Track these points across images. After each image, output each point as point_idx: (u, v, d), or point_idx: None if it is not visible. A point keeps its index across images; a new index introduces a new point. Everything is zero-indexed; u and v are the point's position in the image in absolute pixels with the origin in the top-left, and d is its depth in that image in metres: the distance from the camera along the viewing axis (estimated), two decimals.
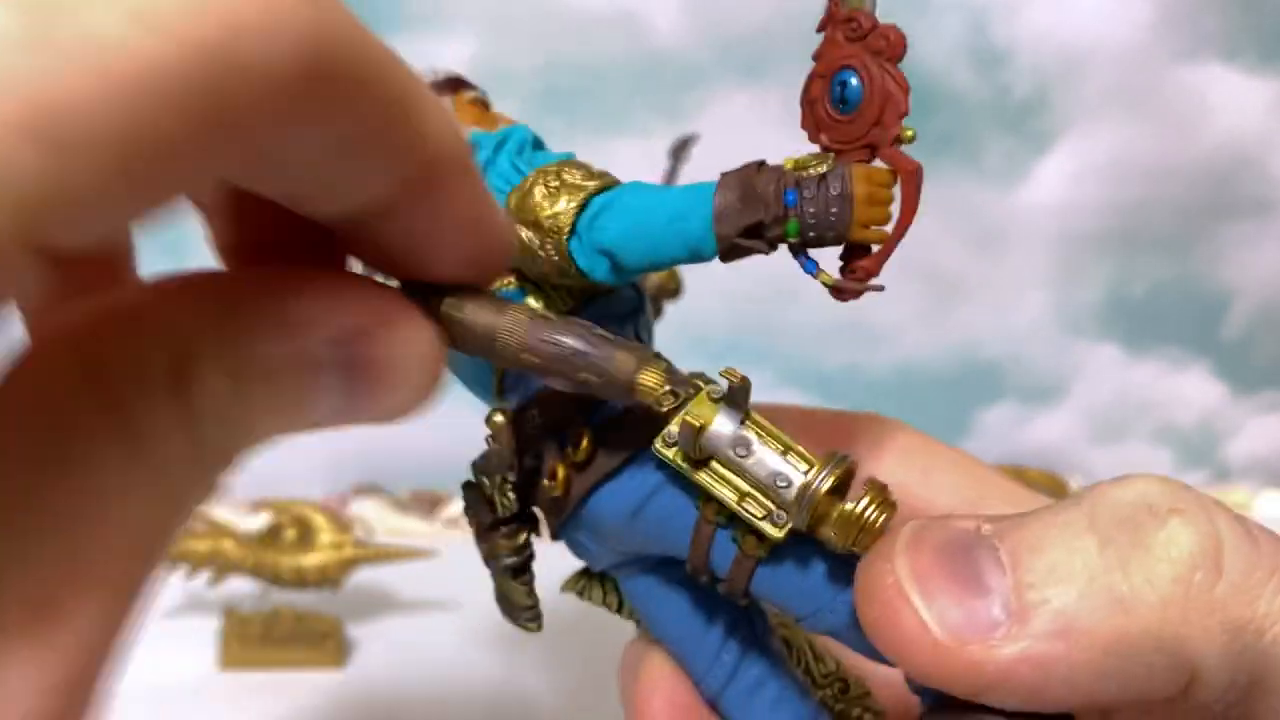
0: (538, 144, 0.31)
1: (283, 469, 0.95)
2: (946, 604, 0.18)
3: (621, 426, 0.27)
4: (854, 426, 0.30)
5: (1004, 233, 0.94)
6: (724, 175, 0.26)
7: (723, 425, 0.24)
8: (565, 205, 0.27)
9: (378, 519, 0.83)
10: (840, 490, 0.23)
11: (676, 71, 0.87)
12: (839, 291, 0.25)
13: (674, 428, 0.24)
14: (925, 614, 0.18)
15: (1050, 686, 0.17)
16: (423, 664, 0.53)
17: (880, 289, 0.25)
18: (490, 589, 0.32)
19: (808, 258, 0.26)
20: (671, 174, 0.45)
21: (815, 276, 0.25)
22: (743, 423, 0.24)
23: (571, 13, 0.86)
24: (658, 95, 0.87)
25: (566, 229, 0.27)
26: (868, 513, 0.22)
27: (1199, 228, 0.95)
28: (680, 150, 0.45)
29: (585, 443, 0.27)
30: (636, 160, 0.98)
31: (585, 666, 0.50)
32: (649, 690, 0.27)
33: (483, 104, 0.32)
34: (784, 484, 0.23)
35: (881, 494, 0.23)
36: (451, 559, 0.68)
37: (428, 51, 0.94)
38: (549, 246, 0.27)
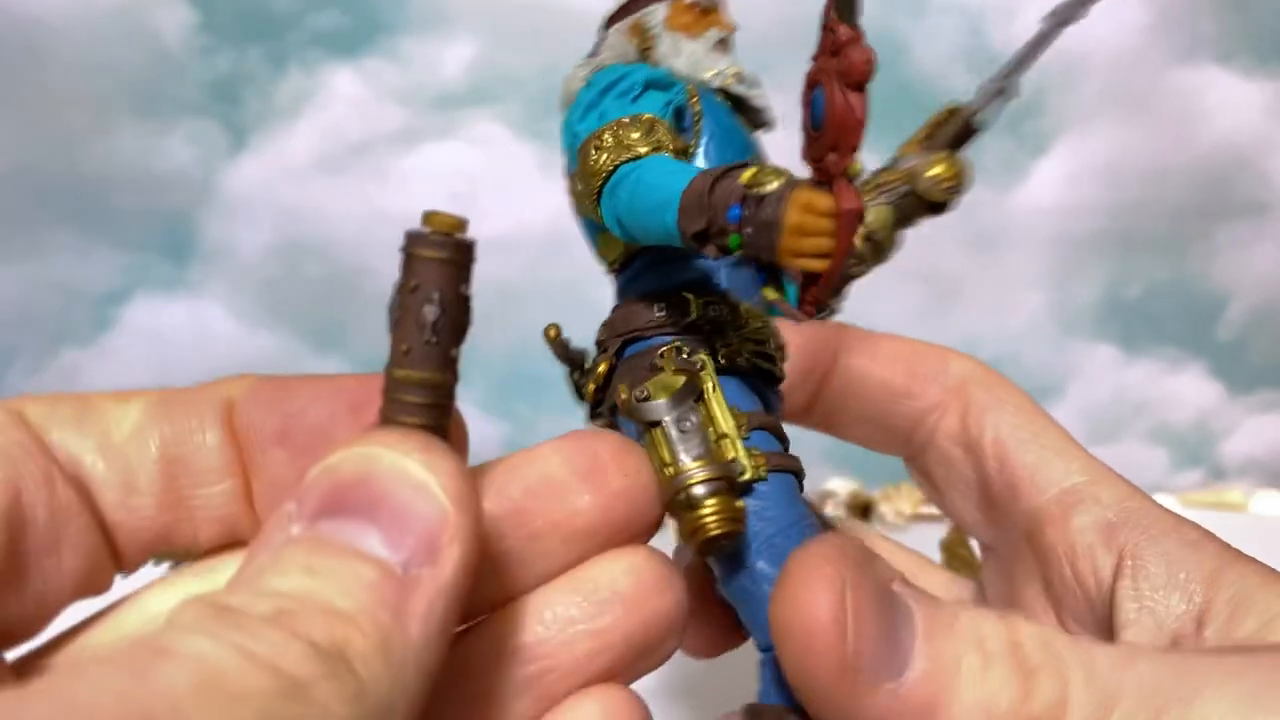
0: (656, 83, 0.31)
1: None
2: (872, 645, 0.20)
3: (633, 369, 0.30)
4: (973, 372, 0.33)
5: (1001, 233, 0.94)
6: (701, 174, 0.26)
7: (670, 402, 0.26)
8: (600, 165, 0.29)
9: None
10: (718, 493, 0.25)
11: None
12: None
13: (638, 390, 0.27)
14: (853, 647, 0.20)
15: None
16: None
17: (820, 316, 0.27)
18: None
19: (759, 270, 0.29)
20: (1042, 39, 0.40)
21: (760, 291, 0.28)
22: (694, 404, 0.26)
23: (572, 14, 0.86)
24: None
25: (595, 190, 0.29)
26: (705, 521, 0.25)
27: (1195, 229, 0.95)
28: (1068, 11, 0.39)
29: (602, 368, 0.31)
30: None
31: None
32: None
33: (702, 9, 0.35)
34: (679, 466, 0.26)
35: (730, 513, 0.25)
36: None
37: (429, 52, 0.95)
38: (588, 201, 0.29)
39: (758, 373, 0.30)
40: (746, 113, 0.34)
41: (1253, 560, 0.27)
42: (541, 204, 0.89)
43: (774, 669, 0.26)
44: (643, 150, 0.28)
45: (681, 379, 0.27)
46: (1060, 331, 0.96)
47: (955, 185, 0.33)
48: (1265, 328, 0.98)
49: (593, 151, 0.29)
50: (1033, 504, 0.31)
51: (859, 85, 0.24)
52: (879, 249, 0.34)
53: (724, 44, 0.35)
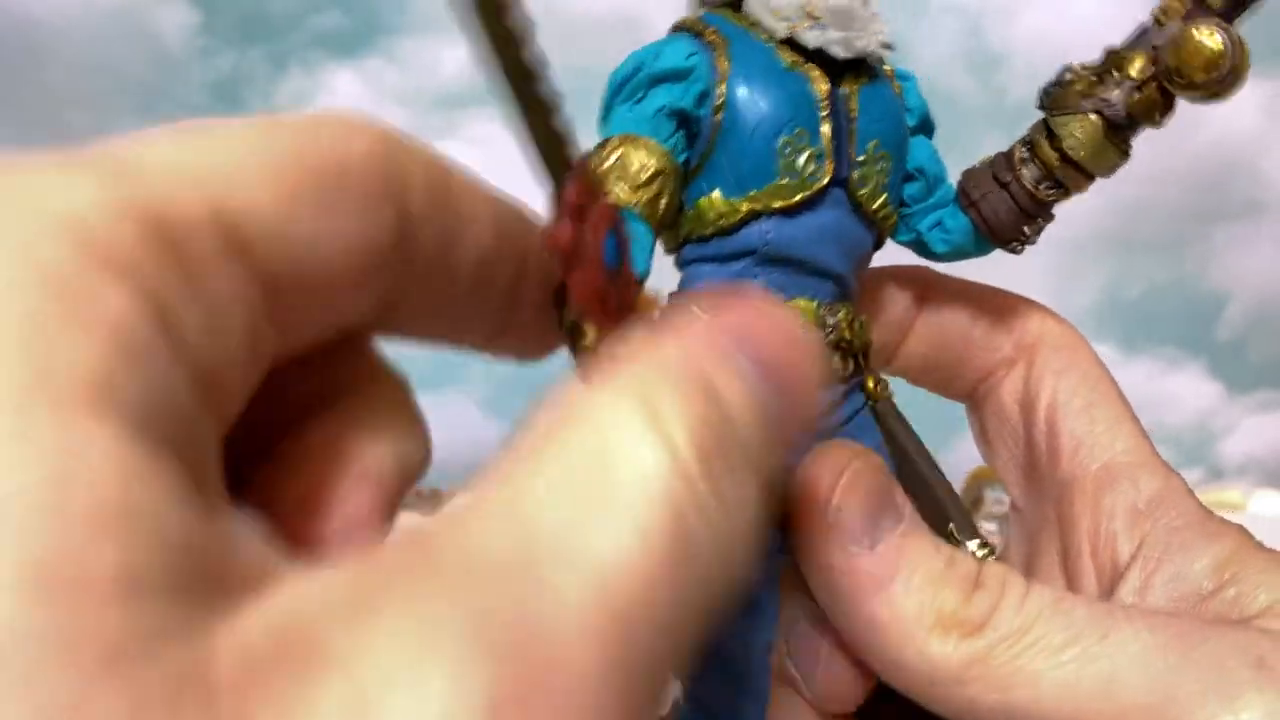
0: (665, 76, 0.28)
1: None
2: (851, 515, 0.24)
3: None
4: (1055, 332, 0.33)
5: None
6: None
7: None
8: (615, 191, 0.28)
9: None
10: None
11: None
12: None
13: None
14: (835, 505, 0.24)
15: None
16: None
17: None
18: None
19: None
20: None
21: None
22: None
23: (571, 15, 0.86)
24: None
25: None
26: None
27: (1193, 229, 0.95)
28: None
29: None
30: None
31: None
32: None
33: None
34: None
35: None
36: None
37: (429, 53, 0.95)
38: None
39: None
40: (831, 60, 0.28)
41: (1268, 550, 0.27)
42: (541, 204, 0.89)
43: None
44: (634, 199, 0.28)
45: None
46: None
47: (1218, 65, 0.25)
48: (1263, 327, 0.98)
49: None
50: (1069, 474, 0.31)
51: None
52: (1080, 172, 0.28)
53: None
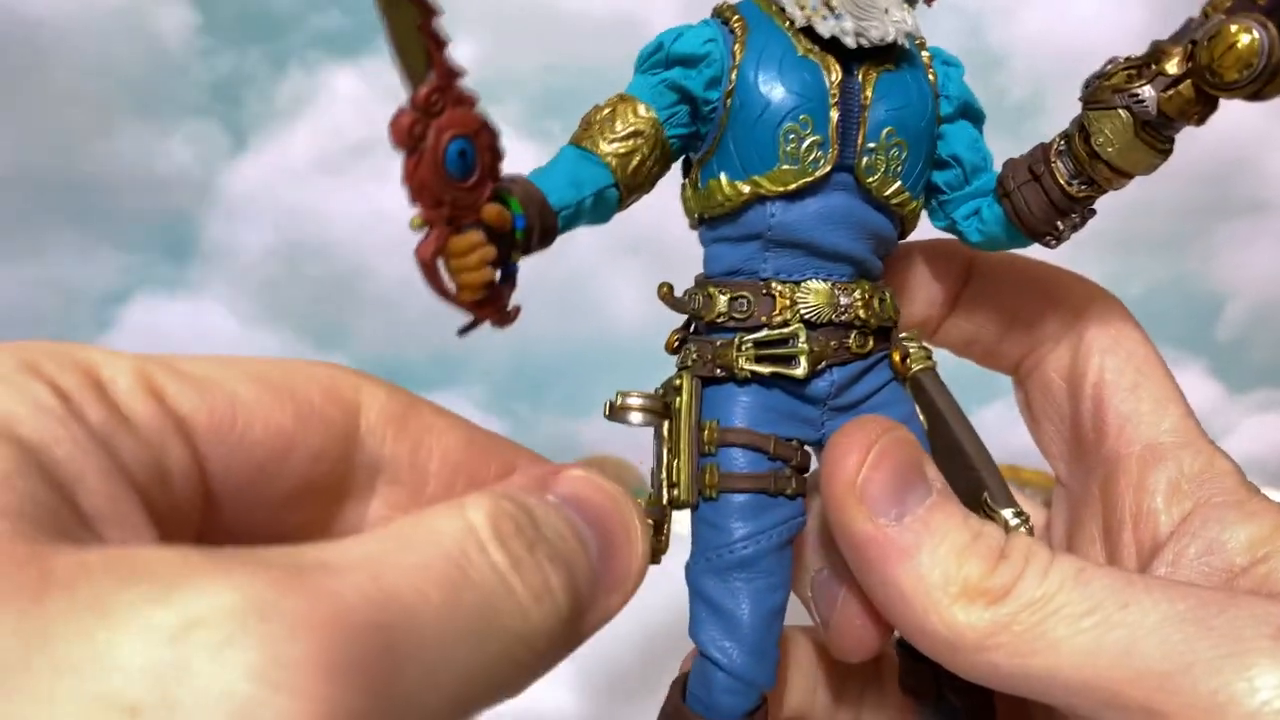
0: (683, 59, 0.29)
1: None
2: (878, 488, 0.25)
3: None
4: (1102, 310, 0.33)
5: None
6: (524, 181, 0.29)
7: (642, 414, 0.30)
8: None
9: None
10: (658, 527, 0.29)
11: None
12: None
13: (618, 396, 0.30)
14: (862, 479, 0.25)
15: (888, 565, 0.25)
16: None
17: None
18: None
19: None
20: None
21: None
22: (664, 417, 0.29)
23: (571, 16, 0.86)
24: None
25: None
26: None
27: (1194, 228, 0.95)
28: None
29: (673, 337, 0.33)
30: None
31: (590, 661, 0.51)
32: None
33: None
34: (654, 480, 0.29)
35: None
36: None
37: None
38: None
39: (777, 378, 0.29)
40: (843, 48, 0.28)
41: None
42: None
43: (698, 667, 0.30)
44: (569, 140, 0.30)
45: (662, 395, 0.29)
46: None
47: (1251, 63, 0.23)
48: (1265, 327, 0.98)
49: None
50: (1114, 452, 0.31)
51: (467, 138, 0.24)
52: (1111, 169, 0.27)
53: None
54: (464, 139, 0.24)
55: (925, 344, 0.32)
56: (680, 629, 0.30)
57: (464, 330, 0.26)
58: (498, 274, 0.25)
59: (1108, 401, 0.32)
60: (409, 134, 0.24)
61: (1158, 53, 0.26)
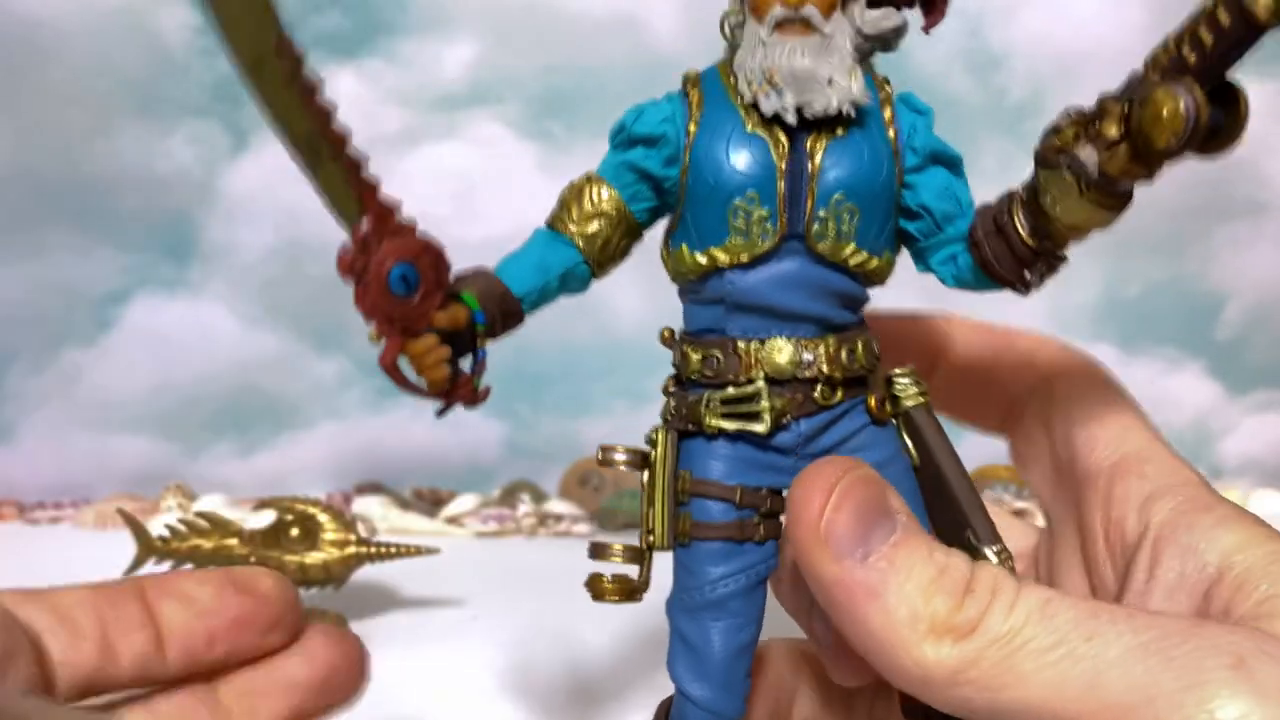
0: (641, 139, 0.31)
1: (287, 468, 0.96)
2: (842, 529, 0.26)
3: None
4: (1064, 357, 0.34)
5: None
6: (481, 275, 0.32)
7: (624, 463, 0.31)
8: None
9: (380, 517, 0.84)
10: (630, 561, 0.31)
11: (676, 75, 0.88)
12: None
13: (601, 450, 0.31)
14: (826, 522, 0.26)
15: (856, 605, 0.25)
16: (426, 660, 0.54)
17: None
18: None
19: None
20: None
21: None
22: (644, 470, 0.31)
23: (572, 17, 0.87)
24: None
25: None
26: (605, 594, 0.31)
27: (1193, 229, 0.95)
28: None
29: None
30: None
31: (589, 664, 0.51)
32: None
33: None
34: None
35: (619, 588, 0.31)
36: (453, 556, 0.68)
37: (429, 54, 0.95)
38: None
39: (744, 433, 0.31)
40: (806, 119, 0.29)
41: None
42: (542, 204, 0.89)
43: (676, 698, 0.32)
44: (544, 221, 0.33)
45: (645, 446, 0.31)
46: (1058, 331, 0.95)
47: (1178, 131, 0.23)
48: (1263, 327, 0.98)
49: None
50: (1085, 471, 0.32)
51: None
52: (1062, 226, 0.27)
53: (789, 27, 0.29)
54: (405, 264, 0.28)
55: (919, 379, 0.32)
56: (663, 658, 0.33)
57: (440, 413, 0.30)
58: (459, 365, 0.29)
59: (1077, 432, 0.32)
60: (350, 268, 0.28)
61: (1100, 111, 0.25)
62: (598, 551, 0.31)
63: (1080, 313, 0.96)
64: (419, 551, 0.62)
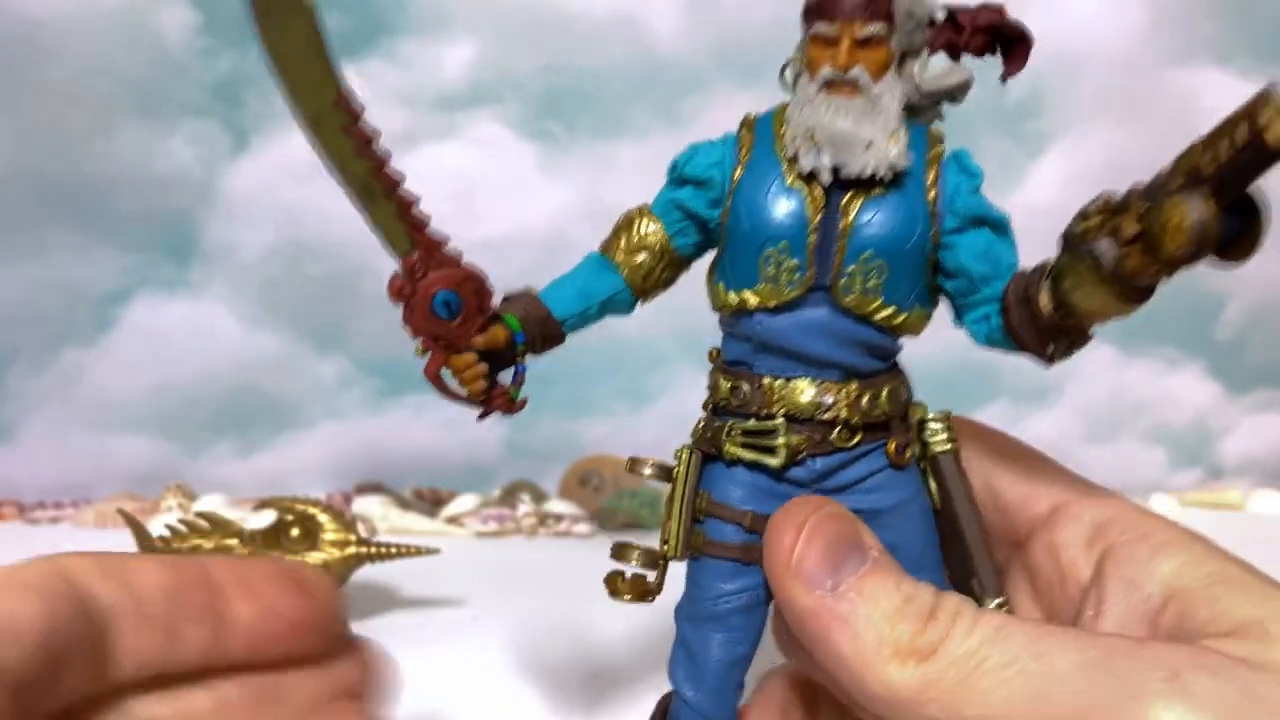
0: (693, 179, 0.33)
1: (287, 468, 0.96)
2: (813, 562, 0.28)
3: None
4: (971, 431, 0.36)
5: None
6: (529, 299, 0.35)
7: (652, 475, 0.33)
8: None
9: (380, 517, 0.84)
10: (645, 565, 0.33)
11: (676, 75, 0.88)
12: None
13: (636, 460, 0.34)
14: (797, 555, 0.28)
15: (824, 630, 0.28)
16: (426, 660, 0.54)
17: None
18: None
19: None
20: None
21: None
22: (669, 481, 0.33)
23: (572, 17, 0.87)
24: (657, 98, 0.87)
25: None
26: (620, 592, 0.33)
27: None
28: None
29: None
30: (636, 162, 0.99)
31: (588, 664, 0.51)
32: None
33: (824, 40, 0.31)
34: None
35: (635, 588, 0.33)
36: (454, 556, 0.68)
37: (429, 54, 0.95)
38: None
39: (759, 464, 0.32)
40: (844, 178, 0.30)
41: (1221, 558, 0.28)
42: (542, 204, 0.90)
43: (674, 698, 0.34)
44: (596, 247, 0.35)
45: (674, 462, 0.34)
46: None
47: (1183, 244, 0.23)
48: (1263, 328, 0.98)
49: None
50: (1022, 525, 0.34)
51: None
52: (1081, 310, 0.27)
53: (837, 87, 0.30)
54: (449, 291, 0.31)
55: (951, 426, 0.34)
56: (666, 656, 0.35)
57: (480, 417, 0.34)
58: (498, 378, 0.33)
59: (1006, 492, 0.34)
60: (399, 293, 0.31)
61: (1124, 205, 0.25)
62: (619, 552, 0.33)
63: None
64: (419, 551, 0.62)
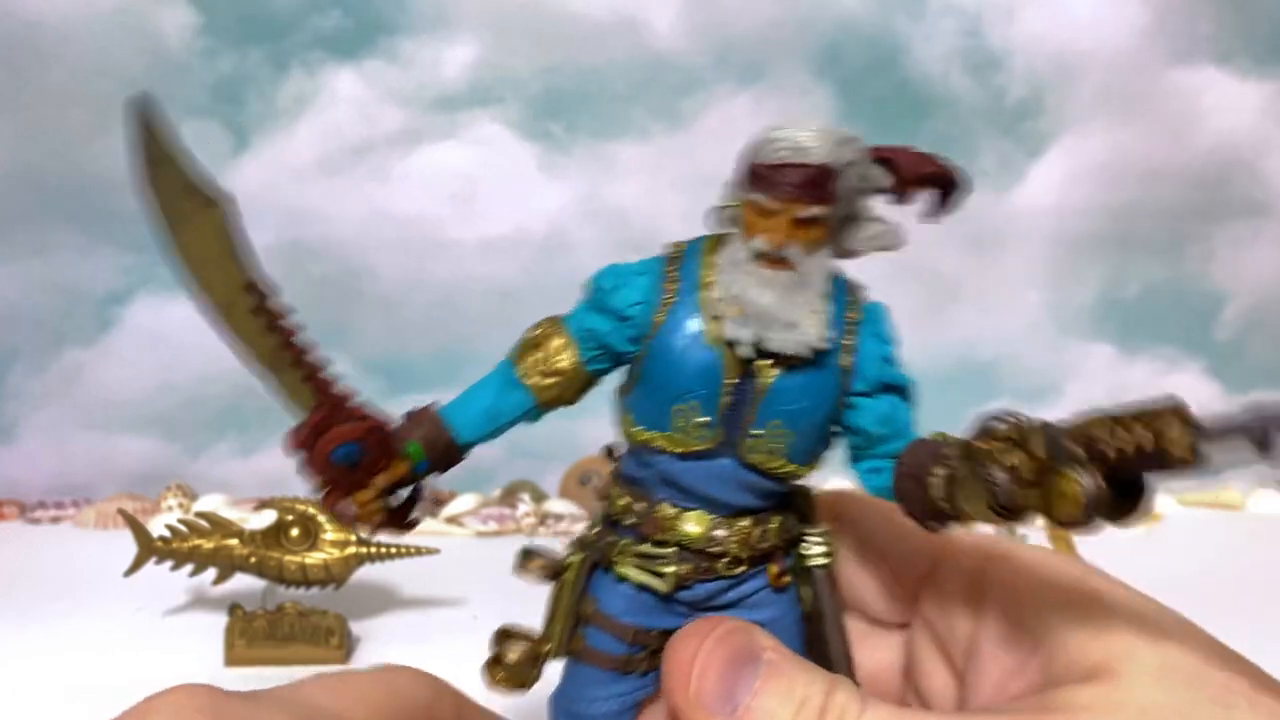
0: (610, 310, 0.33)
1: (287, 468, 0.96)
2: (710, 688, 0.29)
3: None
4: (841, 504, 0.36)
5: (999, 235, 0.95)
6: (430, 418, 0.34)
7: (538, 575, 0.35)
8: None
9: None
10: (523, 657, 0.34)
11: (676, 75, 0.88)
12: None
13: (526, 554, 0.35)
14: (694, 687, 0.30)
15: None
16: (426, 659, 0.53)
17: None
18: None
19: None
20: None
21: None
22: (556, 579, 0.34)
23: (573, 17, 0.87)
24: (657, 99, 0.87)
25: None
26: (498, 681, 0.34)
27: (1192, 229, 0.95)
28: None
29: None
30: (635, 162, 1.00)
31: None
32: None
33: (761, 209, 0.31)
34: None
35: (515, 676, 0.34)
36: (453, 556, 0.68)
37: (429, 54, 0.95)
38: None
39: (646, 587, 0.33)
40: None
41: (1082, 587, 0.30)
42: (541, 205, 0.90)
43: None
44: (507, 354, 0.35)
45: (560, 562, 0.35)
46: (1058, 331, 0.96)
47: (1072, 510, 0.24)
48: (1262, 328, 0.98)
49: None
50: (910, 586, 0.35)
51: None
52: (943, 512, 0.29)
53: (770, 261, 0.30)
54: (351, 443, 0.32)
55: (829, 541, 0.35)
56: None
57: (370, 534, 0.36)
58: (393, 500, 0.34)
59: (890, 557, 0.35)
60: (299, 446, 0.32)
61: (1029, 441, 0.26)
62: (500, 640, 0.34)
63: (1080, 313, 0.96)
64: (419, 551, 0.62)
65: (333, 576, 0.60)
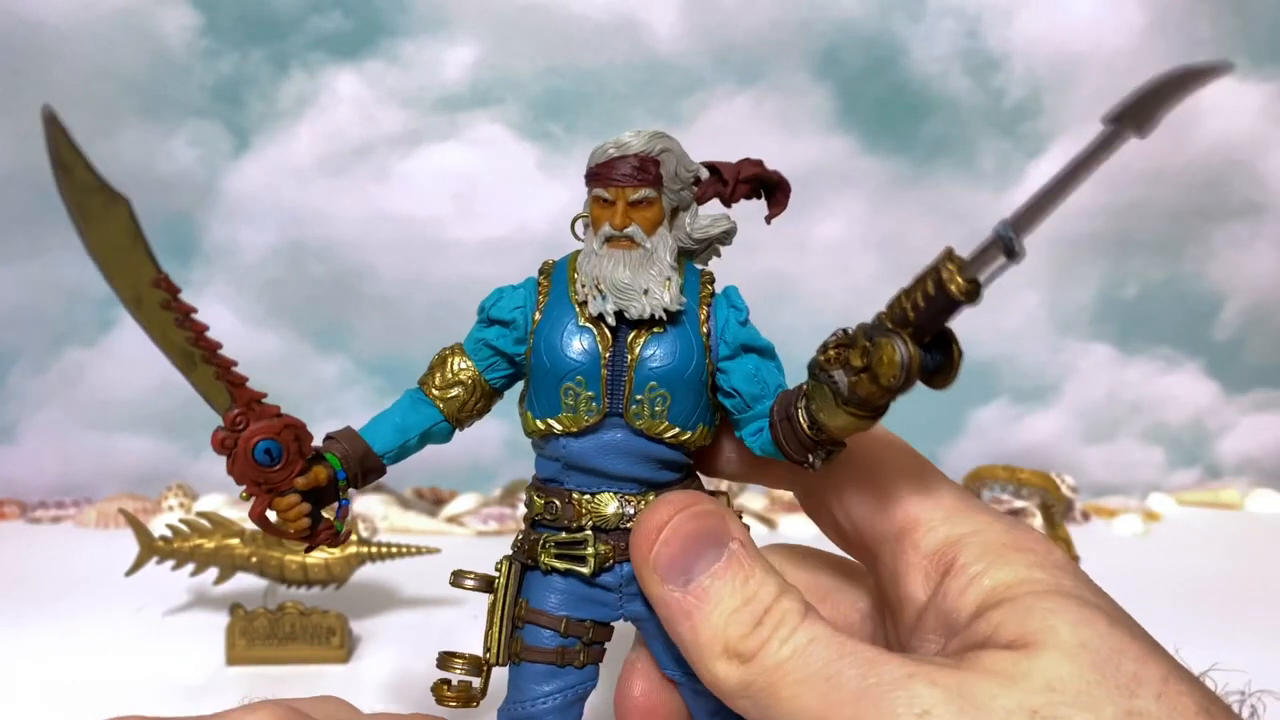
0: (498, 320, 0.37)
1: None
2: (668, 558, 0.32)
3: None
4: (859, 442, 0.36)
5: None
6: (350, 437, 0.37)
7: (476, 586, 0.36)
8: None
9: (381, 516, 0.84)
10: (468, 673, 0.36)
11: (676, 75, 0.88)
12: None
13: (457, 573, 0.37)
14: (655, 552, 0.32)
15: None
16: (427, 659, 0.54)
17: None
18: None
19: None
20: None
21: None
22: (491, 591, 0.37)
23: (573, 18, 0.87)
24: (657, 99, 0.88)
25: None
26: (446, 700, 0.36)
27: (1191, 230, 0.96)
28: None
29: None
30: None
31: None
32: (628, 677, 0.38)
33: (603, 201, 0.36)
34: None
35: (460, 693, 0.36)
36: (454, 555, 0.69)
37: (430, 55, 0.95)
38: None
39: (571, 572, 0.36)
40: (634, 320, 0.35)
41: (1050, 571, 0.30)
42: (541, 205, 0.90)
43: None
44: (417, 380, 0.38)
45: (491, 576, 0.37)
46: (1057, 331, 0.96)
47: (895, 375, 0.28)
48: (1260, 327, 0.98)
49: None
50: (869, 542, 0.36)
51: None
52: (829, 428, 0.31)
53: (616, 242, 0.35)
54: (270, 440, 0.34)
55: (738, 514, 0.36)
56: None
57: (307, 550, 0.37)
58: (321, 514, 0.35)
59: (853, 508, 0.36)
60: (221, 446, 0.34)
61: (851, 341, 0.30)
62: (444, 662, 0.36)
63: (1079, 313, 0.96)
64: (419, 551, 0.62)
65: (334, 576, 0.60)
